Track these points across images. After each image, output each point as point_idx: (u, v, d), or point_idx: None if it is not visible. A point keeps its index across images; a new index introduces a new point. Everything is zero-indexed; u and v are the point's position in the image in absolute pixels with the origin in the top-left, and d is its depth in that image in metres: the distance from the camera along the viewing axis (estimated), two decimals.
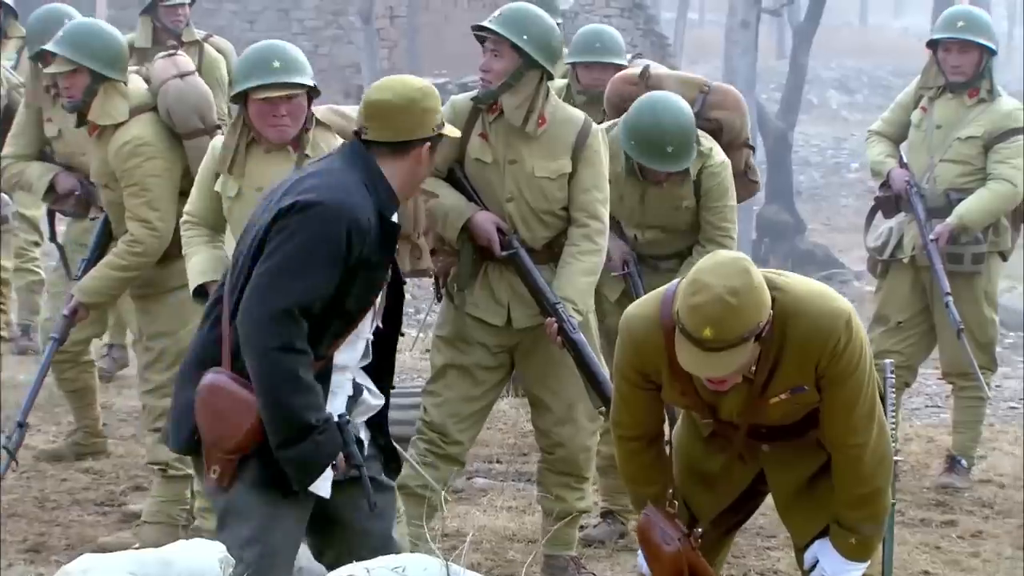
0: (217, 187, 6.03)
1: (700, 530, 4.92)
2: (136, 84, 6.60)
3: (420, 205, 5.96)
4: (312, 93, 5.91)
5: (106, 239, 6.74)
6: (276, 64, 5.79)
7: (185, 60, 6.72)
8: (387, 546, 4.76)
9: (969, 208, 7.83)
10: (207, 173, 6.08)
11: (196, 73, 6.67)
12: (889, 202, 8.21)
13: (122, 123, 6.49)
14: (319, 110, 6.07)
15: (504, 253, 6.17)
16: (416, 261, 6.01)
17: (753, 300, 4.42)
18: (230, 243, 5.96)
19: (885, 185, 8.21)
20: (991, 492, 8.08)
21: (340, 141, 5.76)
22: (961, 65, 7.94)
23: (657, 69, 7.14)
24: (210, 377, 4.65)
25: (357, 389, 4.83)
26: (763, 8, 18.92)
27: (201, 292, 5.97)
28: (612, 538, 7.11)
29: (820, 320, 4.59)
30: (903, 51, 42.16)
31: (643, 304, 4.81)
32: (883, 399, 4.88)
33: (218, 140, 6.09)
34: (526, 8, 6.25)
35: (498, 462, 8.35)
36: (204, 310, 4.92)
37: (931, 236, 7.80)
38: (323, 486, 4.68)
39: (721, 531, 5.11)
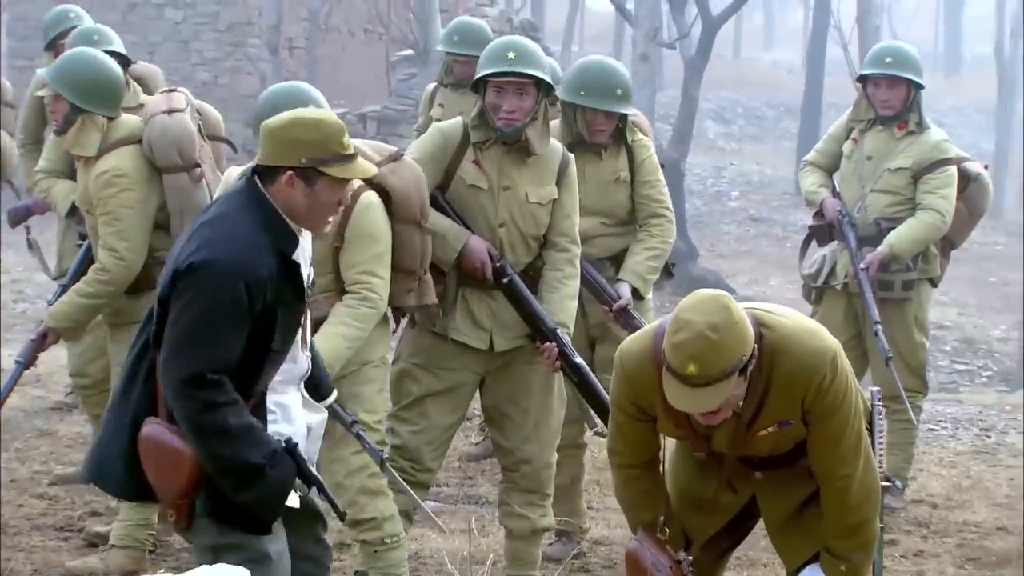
0: None
1: (691, 558, 5.00)
2: (127, 117, 6.68)
3: (427, 240, 6.01)
4: None
5: (88, 266, 6.75)
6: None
7: (179, 97, 6.76)
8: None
9: (899, 237, 8.05)
10: None
11: (185, 111, 6.71)
12: (822, 230, 8.43)
13: (105, 152, 6.54)
14: None
15: (503, 279, 6.26)
16: (421, 297, 6.05)
17: (734, 335, 4.52)
18: None
19: (818, 214, 8.40)
20: (925, 512, 8.32)
21: None
22: (890, 99, 8.17)
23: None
24: (146, 429, 4.67)
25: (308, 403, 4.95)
26: (659, 42, 19.28)
27: None
28: (567, 557, 7.23)
29: (806, 357, 4.71)
30: (774, 83, 42.88)
31: (636, 339, 4.92)
32: (871, 427, 5.01)
33: (235, 171, 5.93)
34: (523, 41, 6.44)
35: (446, 485, 8.45)
36: (133, 350, 4.88)
37: (862, 265, 8.00)
38: (291, 498, 4.77)
39: (714, 555, 5.22)
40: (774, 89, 41.20)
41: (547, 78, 6.28)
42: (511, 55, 6.24)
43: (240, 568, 4.49)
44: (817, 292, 8.42)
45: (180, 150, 6.60)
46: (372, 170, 4.82)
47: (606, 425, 6.31)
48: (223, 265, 4.55)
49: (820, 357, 4.72)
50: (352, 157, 4.69)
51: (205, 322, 4.56)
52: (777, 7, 52.28)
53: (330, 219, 4.81)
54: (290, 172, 4.63)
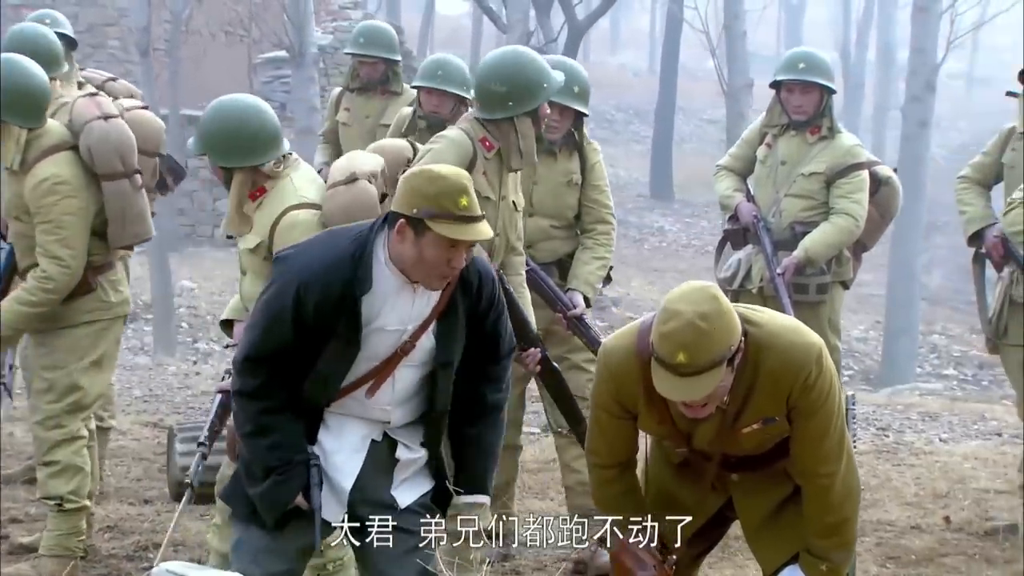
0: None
1: (674, 557, 5.04)
2: (52, 123, 6.55)
3: None
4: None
5: (10, 272, 6.68)
6: None
7: (107, 102, 6.67)
8: None
9: (814, 241, 8.12)
10: None
11: (120, 116, 6.63)
12: (737, 234, 8.50)
13: (39, 159, 6.44)
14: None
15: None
16: None
17: (723, 324, 4.56)
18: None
19: (733, 218, 8.48)
20: None
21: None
22: (803, 105, 8.23)
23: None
24: None
25: (392, 443, 5.02)
26: (532, 47, 19.32)
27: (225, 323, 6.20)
28: (499, 559, 7.28)
29: (792, 353, 4.74)
30: (622, 86, 43.25)
31: (620, 336, 4.94)
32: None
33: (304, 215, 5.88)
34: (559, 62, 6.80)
35: None
36: None
37: (778, 270, 8.06)
38: (328, 511, 4.91)
39: (691, 556, 5.24)
40: (622, 92, 41.57)
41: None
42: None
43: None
44: (732, 295, 8.46)
45: (122, 156, 6.53)
46: (486, 234, 4.74)
47: (570, 426, 6.42)
48: (293, 265, 4.80)
49: (805, 353, 4.76)
50: (466, 219, 4.66)
51: (259, 312, 4.86)
52: (622, 11, 52.65)
53: (444, 279, 4.78)
54: (403, 220, 4.69)
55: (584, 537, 7.29)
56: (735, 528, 5.41)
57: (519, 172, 6.47)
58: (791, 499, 5.08)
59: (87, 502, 6.82)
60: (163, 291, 19.32)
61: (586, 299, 7.14)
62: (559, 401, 6.55)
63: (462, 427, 5.08)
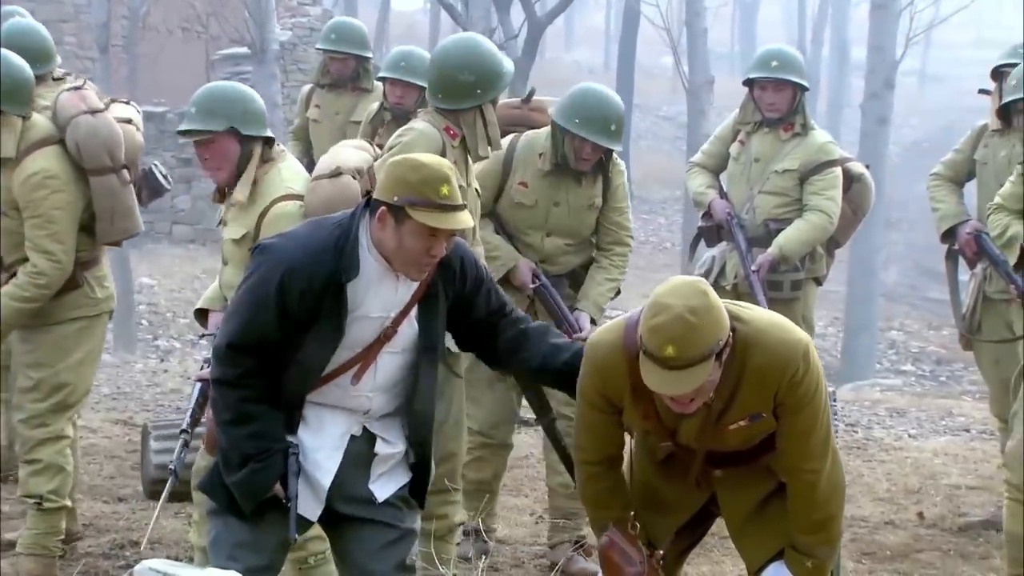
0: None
1: (662, 551, 5.05)
2: (38, 117, 6.52)
3: None
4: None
5: None
6: (191, 110, 5.78)
7: (92, 96, 6.62)
8: None
9: (788, 239, 8.12)
10: None
11: (107, 111, 6.59)
12: (711, 231, 8.50)
13: (27, 153, 6.41)
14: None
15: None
16: None
17: (712, 318, 4.55)
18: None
19: (707, 215, 8.50)
20: None
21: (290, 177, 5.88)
22: (776, 102, 8.24)
23: (539, 96, 7.46)
24: None
25: (371, 437, 5.00)
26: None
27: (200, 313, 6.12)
28: (479, 555, 7.27)
29: (779, 349, 4.73)
30: (577, 83, 43.23)
31: (607, 330, 4.93)
32: None
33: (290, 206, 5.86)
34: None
35: None
36: None
37: (753, 267, 8.06)
38: (306, 508, 4.90)
39: (675, 553, 5.24)
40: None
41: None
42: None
43: (232, 572, 4.65)
44: None
45: (110, 151, 6.50)
46: (466, 223, 4.74)
47: (536, 414, 6.43)
48: (277, 253, 4.76)
49: (793, 350, 4.75)
50: (446, 208, 4.67)
51: (241, 299, 4.82)
52: (577, 8, 52.70)
53: (424, 267, 4.78)
54: (383, 207, 4.69)
55: (562, 540, 7.37)
56: (713, 525, 5.41)
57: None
58: (775, 495, 5.07)
59: (67, 502, 6.80)
60: (123, 288, 19.19)
61: (593, 320, 7.14)
62: (527, 389, 6.51)
63: (548, 363, 5.12)
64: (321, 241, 4.75)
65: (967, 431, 10.88)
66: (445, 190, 4.65)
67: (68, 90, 6.64)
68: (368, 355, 4.86)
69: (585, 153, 7.00)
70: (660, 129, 41.00)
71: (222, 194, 5.92)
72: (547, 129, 7.10)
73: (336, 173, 5.86)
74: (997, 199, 6.68)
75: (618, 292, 7.41)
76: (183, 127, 5.81)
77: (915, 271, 26.20)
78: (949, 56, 51.26)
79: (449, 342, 6.36)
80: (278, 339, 4.77)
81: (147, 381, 12.16)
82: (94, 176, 6.50)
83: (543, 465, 8.97)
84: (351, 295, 4.75)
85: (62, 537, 6.83)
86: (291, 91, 22.27)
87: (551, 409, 6.52)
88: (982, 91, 7.98)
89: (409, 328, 4.89)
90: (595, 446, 5.05)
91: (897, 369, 21.64)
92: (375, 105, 8.61)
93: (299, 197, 5.81)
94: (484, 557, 7.29)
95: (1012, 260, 6.62)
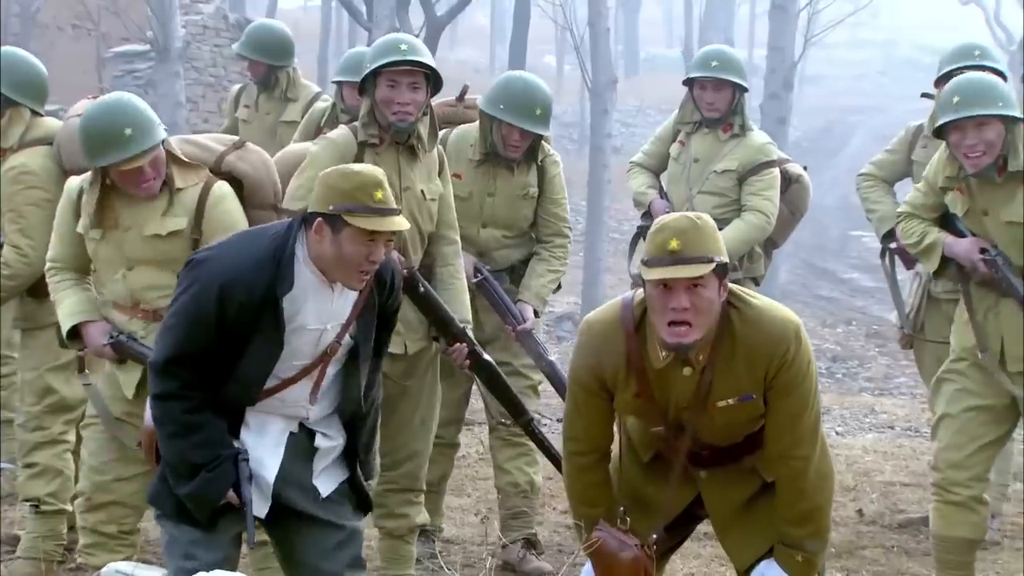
0: (79, 229, 5.89)
1: (655, 536, 5.06)
2: (46, 118, 6.60)
3: None
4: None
5: None
6: (128, 132, 5.66)
7: None
8: None
9: (727, 239, 8.04)
10: (66, 215, 5.94)
11: None
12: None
13: (19, 149, 6.46)
14: (172, 141, 5.96)
15: (419, 289, 6.18)
16: None
17: (712, 229, 4.74)
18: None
19: (647, 215, 8.55)
20: None
21: (200, 171, 5.88)
22: (715, 102, 8.30)
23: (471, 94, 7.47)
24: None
25: (310, 433, 5.06)
26: None
27: (74, 335, 5.93)
28: (426, 557, 7.28)
29: (772, 327, 4.82)
30: (463, 83, 43.25)
31: (602, 310, 5.02)
32: None
33: (73, 181, 5.95)
34: (409, 36, 6.47)
35: None
36: None
37: None
38: (254, 505, 4.92)
39: (658, 553, 5.21)
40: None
41: (437, 69, 6.27)
42: (403, 47, 6.20)
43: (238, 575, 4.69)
44: None
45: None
46: (402, 225, 4.80)
47: (512, 417, 6.42)
48: (211, 267, 4.79)
49: (783, 327, 4.83)
50: (381, 211, 4.73)
51: (177, 314, 4.83)
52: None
53: (364, 275, 4.81)
54: (320, 219, 4.75)
55: (513, 539, 7.37)
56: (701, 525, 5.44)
57: (433, 160, 6.40)
58: (760, 495, 5.11)
59: (66, 506, 6.74)
60: None
61: (536, 312, 7.14)
62: (495, 392, 6.50)
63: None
64: (257, 254, 4.80)
65: (891, 428, 11.03)
66: (379, 194, 4.74)
67: (88, 99, 6.64)
68: (320, 368, 4.95)
69: (513, 140, 7.03)
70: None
71: None
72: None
73: (241, 143, 6.10)
74: (906, 207, 6.74)
75: (559, 286, 7.43)
76: None
77: (805, 269, 26.45)
78: (823, 56, 51.78)
79: (421, 341, 6.41)
80: (215, 352, 4.80)
81: None
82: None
83: (482, 464, 9.01)
84: (288, 307, 4.81)
85: (62, 542, 6.80)
86: (185, 89, 22.01)
87: (527, 410, 6.51)
88: (924, 95, 8.04)
89: (347, 339, 4.99)
90: (586, 434, 5.09)
91: None
92: (322, 106, 8.53)
93: (223, 176, 5.93)
94: (433, 558, 7.30)
95: (932, 267, 6.68)
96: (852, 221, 30.20)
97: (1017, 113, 6.19)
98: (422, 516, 6.73)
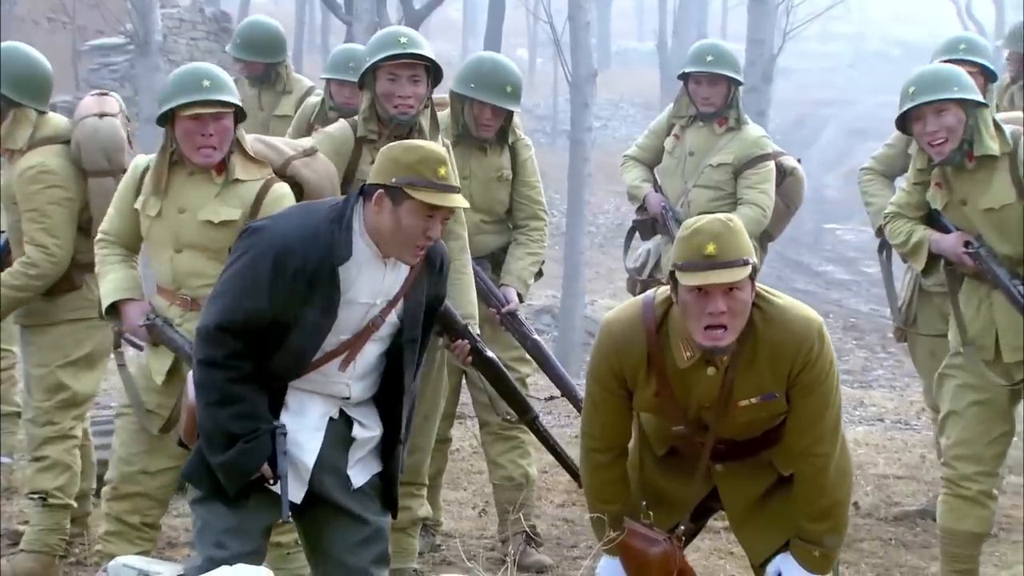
0: (137, 205, 5.90)
1: (682, 527, 5.08)
2: (53, 115, 6.57)
3: None
4: (239, 116, 5.82)
5: (4, 261, 6.63)
6: (206, 83, 5.71)
7: (111, 102, 6.65)
8: None
9: None
10: (127, 192, 5.94)
11: (117, 116, 6.59)
12: (646, 225, 8.57)
13: (32, 148, 6.43)
14: (246, 136, 5.96)
15: None
16: None
17: (742, 230, 4.73)
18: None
19: (642, 208, 8.57)
20: None
21: (264, 168, 5.82)
22: (710, 96, 8.32)
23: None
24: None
25: (348, 421, 5.01)
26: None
27: (113, 311, 5.91)
28: (427, 549, 7.32)
29: (795, 325, 4.84)
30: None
31: (624, 309, 5.03)
32: None
33: (141, 158, 5.96)
34: (409, 29, 6.49)
35: None
36: None
37: None
38: (291, 489, 4.88)
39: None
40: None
41: (437, 61, 6.27)
42: (403, 39, 6.20)
43: (262, 569, 4.64)
44: (642, 285, 8.51)
45: (108, 154, 6.52)
46: (462, 203, 4.81)
47: (517, 415, 6.41)
48: (267, 235, 4.78)
49: (807, 326, 4.85)
50: (444, 187, 4.72)
51: (230, 281, 4.80)
52: None
53: (419, 250, 4.80)
54: (381, 190, 4.72)
55: (512, 533, 7.37)
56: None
57: None
58: (776, 489, 5.13)
59: (71, 501, 6.77)
60: None
61: (519, 295, 7.14)
62: (499, 389, 6.46)
63: None
64: (315, 223, 4.78)
65: (881, 420, 11.05)
66: (443, 171, 4.73)
67: (93, 95, 6.73)
68: (357, 343, 4.90)
69: (485, 118, 7.03)
70: (523, 123, 40.96)
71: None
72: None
73: (312, 151, 6.07)
74: (892, 207, 6.76)
75: (541, 273, 7.42)
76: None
77: (780, 262, 26.48)
78: (795, 49, 51.85)
79: None
80: (267, 321, 4.76)
81: None
82: (92, 178, 6.53)
83: (476, 458, 9.01)
84: (343, 278, 4.78)
85: (65, 536, 6.80)
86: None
87: (531, 407, 6.50)
88: None
89: (393, 318, 4.94)
90: (603, 432, 5.09)
91: None
92: (314, 100, 8.52)
93: (285, 179, 5.90)
94: (434, 551, 7.32)
95: (919, 266, 6.70)
96: (826, 214, 30.32)
97: (977, 96, 6.21)
98: (424, 509, 6.74)
